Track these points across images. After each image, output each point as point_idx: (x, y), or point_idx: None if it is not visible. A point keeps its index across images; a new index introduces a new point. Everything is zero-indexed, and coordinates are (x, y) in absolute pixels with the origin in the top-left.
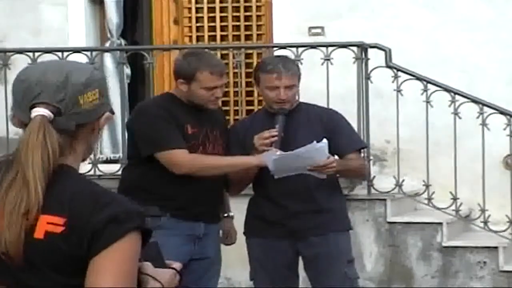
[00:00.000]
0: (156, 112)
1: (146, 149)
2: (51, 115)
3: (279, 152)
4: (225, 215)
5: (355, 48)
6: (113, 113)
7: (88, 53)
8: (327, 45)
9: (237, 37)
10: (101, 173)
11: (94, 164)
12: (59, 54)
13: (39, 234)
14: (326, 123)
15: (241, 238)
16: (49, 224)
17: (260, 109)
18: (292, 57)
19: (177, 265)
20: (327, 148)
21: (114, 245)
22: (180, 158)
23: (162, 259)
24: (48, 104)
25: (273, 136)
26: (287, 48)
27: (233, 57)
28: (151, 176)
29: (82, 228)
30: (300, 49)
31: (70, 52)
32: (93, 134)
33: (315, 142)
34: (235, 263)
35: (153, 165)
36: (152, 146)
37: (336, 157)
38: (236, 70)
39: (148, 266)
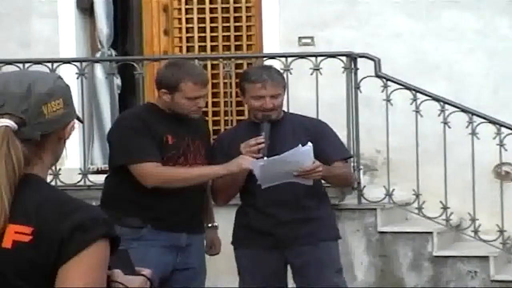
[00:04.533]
0: (130, 124)
1: (118, 159)
2: (15, 125)
3: (265, 158)
4: (209, 225)
5: (344, 58)
6: (81, 121)
7: (78, 64)
8: (316, 55)
9: (227, 48)
10: (91, 184)
11: (85, 174)
12: (49, 65)
13: (6, 243)
14: (312, 132)
15: (229, 248)
16: (16, 234)
17: (244, 119)
18: (281, 67)
19: (147, 272)
20: (312, 152)
21: (81, 253)
22: (147, 171)
23: (132, 267)
24: (11, 114)
25: (259, 143)
26: (276, 58)
27: (223, 67)
28: (132, 186)
29: (49, 237)
30: (289, 59)
31: (60, 63)
32: (59, 143)
33: (300, 146)
34: (224, 273)
35: (131, 176)
36: (123, 157)
37: None
38: (226, 80)
39: (118, 274)
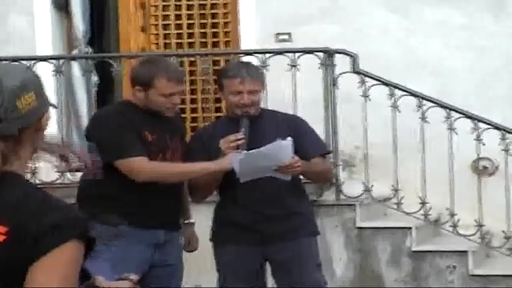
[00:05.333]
0: (116, 120)
1: (106, 156)
2: None
3: (244, 152)
4: (186, 221)
5: (321, 54)
6: (55, 107)
7: (55, 61)
8: (293, 51)
9: (204, 44)
10: (69, 182)
11: (62, 172)
12: (25, 62)
13: None
14: (290, 129)
15: (208, 245)
16: None
17: (222, 116)
18: (259, 63)
19: (134, 277)
20: (291, 146)
21: (53, 251)
22: (141, 166)
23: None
24: None
25: (239, 139)
26: (254, 54)
27: (201, 64)
28: (109, 184)
29: (24, 236)
30: (267, 55)
31: (37, 61)
32: (37, 136)
33: (279, 140)
34: (205, 271)
35: (111, 172)
36: (112, 153)
37: None
38: (204, 77)
39: (102, 280)
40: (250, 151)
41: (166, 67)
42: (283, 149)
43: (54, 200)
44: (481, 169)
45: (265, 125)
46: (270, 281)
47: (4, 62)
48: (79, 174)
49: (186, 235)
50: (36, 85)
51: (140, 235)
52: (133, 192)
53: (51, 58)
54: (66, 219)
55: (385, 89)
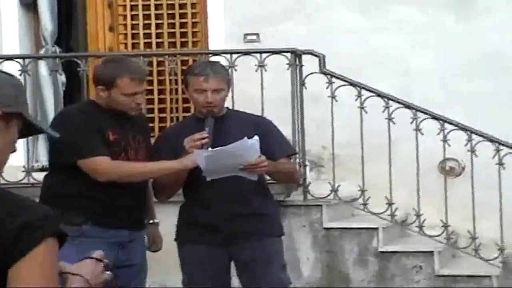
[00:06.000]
0: (79, 119)
1: (68, 156)
2: None
3: (209, 149)
4: (151, 221)
5: (288, 55)
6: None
7: (21, 61)
8: (260, 52)
9: (172, 44)
10: (35, 181)
11: (28, 172)
12: None
13: None
14: (257, 129)
15: (174, 245)
16: None
17: (189, 115)
18: (227, 63)
19: (98, 253)
20: (258, 145)
21: (31, 253)
22: (103, 165)
23: None
24: None
25: (203, 138)
26: (221, 54)
27: (169, 64)
28: (73, 183)
29: None
30: (234, 56)
31: (3, 60)
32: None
33: (246, 138)
34: (171, 270)
35: (75, 172)
36: (75, 153)
37: None
38: (172, 77)
39: (63, 264)
40: (216, 149)
41: (129, 67)
42: (249, 147)
43: (24, 200)
44: (448, 169)
45: (231, 125)
46: (235, 281)
47: None
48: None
49: (150, 235)
50: None
51: (104, 235)
52: (97, 192)
53: (18, 57)
54: (40, 218)
55: (353, 89)
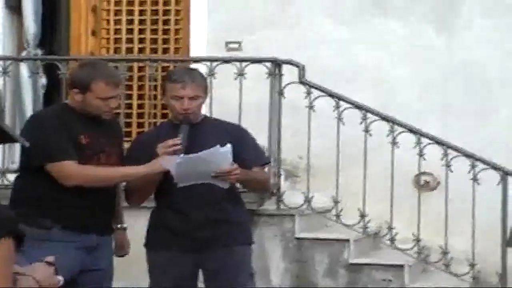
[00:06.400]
0: (50, 123)
1: (37, 159)
2: None
3: (182, 155)
4: (118, 226)
5: (268, 64)
6: None
7: (1, 62)
8: (241, 60)
9: (154, 50)
10: (8, 183)
11: (3, 173)
12: None
13: None
14: (231, 137)
15: (141, 249)
16: None
17: (165, 120)
18: (207, 71)
19: (49, 257)
20: (230, 153)
21: None
22: (70, 170)
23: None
24: None
25: (176, 145)
26: (202, 62)
27: (156, 70)
28: (42, 187)
29: None
30: (214, 63)
31: None
32: None
33: (218, 146)
34: (141, 276)
35: (44, 175)
36: (42, 156)
37: None
38: (151, 83)
39: (15, 266)
40: (188, 155)
41: (104, 71)
42: (221, 155)
43: None
44: (423, 183)
45: (207, 132)
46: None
47: None
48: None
49: (118, 239)
50: None
51: (71, 238)
52: (66, 195)
53: None
54: None
55: (331, 100)
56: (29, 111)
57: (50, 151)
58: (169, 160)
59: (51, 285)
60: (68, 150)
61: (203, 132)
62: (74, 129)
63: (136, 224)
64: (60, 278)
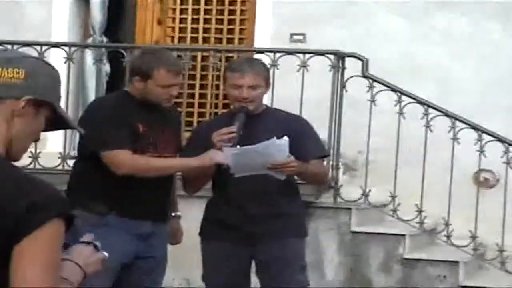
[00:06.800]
0: (107, 111)
1: (91, 146)
2: None
3: (238, 147)
4: (173, 214)
5: (332, 56)
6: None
7: (67, 49)
8: (304, 52)
9: (219, 40)
10: (69, 168)
11: (64, 159)
12: (38, 48)
13: None
14: (291, 128)
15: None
16: None
17: (226, 111)
18: (269, 62)
19: (86, 236)
20: (287, 146)
21: (35, 232)
22: (121, 159)
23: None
24: None
25: (231, 133)
26: (265, 52)
27: (220, 60)
28: (99, 173)
29: (4, 216)
30: (277, 55)
31: (49, 47)
32: (13, 119)
33: (275, 138)
34: (194, 264)
35: (101, 162)
36: (96, 144)
37: None
38: (214, 73)
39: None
40: (244, 147)
41: (166, 59)
42: (278, 147)
43: (33, 179)
44: (482, 180)
45: (266, 123)
46: (254, 281)
47: (21, 49)
48: None
49: (171, 227)
50: (32, 68)
51: (126, 225)
52: (122, 182)
53: (63, 45)
54: (47, 198)
55: (392, 95)
56: (92, 98)
57: (103, 139)
58: (218, 154)
59: (94, 263)
60: (121, 139)
61: (263, 123)
62: (132, 118)
63: (189, 214)
64: (105, 253)
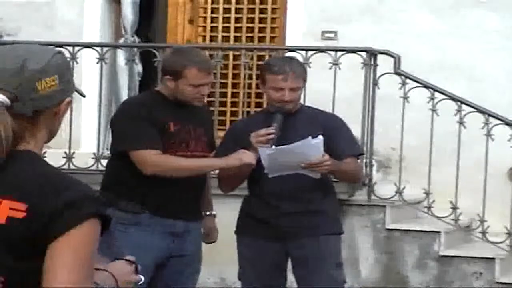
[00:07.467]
0: (135, 111)
1: (121, 146)
2: (8, 101)
3: (273, 147)
4: (207, 213)
5: (363, 54)
6: (83, 95)
7: (99, 49)
8: (336, 50)
9: (250, 39)
10: (103, 169)
11: (98, 159)
12: (70, 48)
13: (1, 219)
14: (326, 127)
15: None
16: (11, 210)
17: (259, 110)
18: (301, 60)
19: (130, 257)
20: (322, 145)
21: (71, 231)
22: (149, 159)
23: (113, 247)
24: (4, 90)
25: (269, 134)
26: (297, 51)
27: (245, 58)
28: (132, 172)
29: (41, 214)
30: (310, 53)
31: (81, 47)
32: (55, 119)
33: (310, 137)
34: (229, 263)
35: (133, 161)
36: (125, 143)
37: None
38: (246, 72)
39: (98, 259)
40: (279, 147)
41: (197, 58)
42: (312, 147)
43: (69, 178)
44: None
45: (301, 122)
46: (290, 277)
47: (50, 46)
48: None
49: (206, 226)
50: (60, 70)
51: (159, 224)
52: (154, 181)
53: (95, 45)
54: (82, 198)
55: (424, 92)
56: (124, 98)
57: (132, 138)
58: (247, 154)
59: (129, 284)
60: (150, 139)
61: (297, 122)
62: (163, 117)
63: (224, 212)
64: (141, 277)
